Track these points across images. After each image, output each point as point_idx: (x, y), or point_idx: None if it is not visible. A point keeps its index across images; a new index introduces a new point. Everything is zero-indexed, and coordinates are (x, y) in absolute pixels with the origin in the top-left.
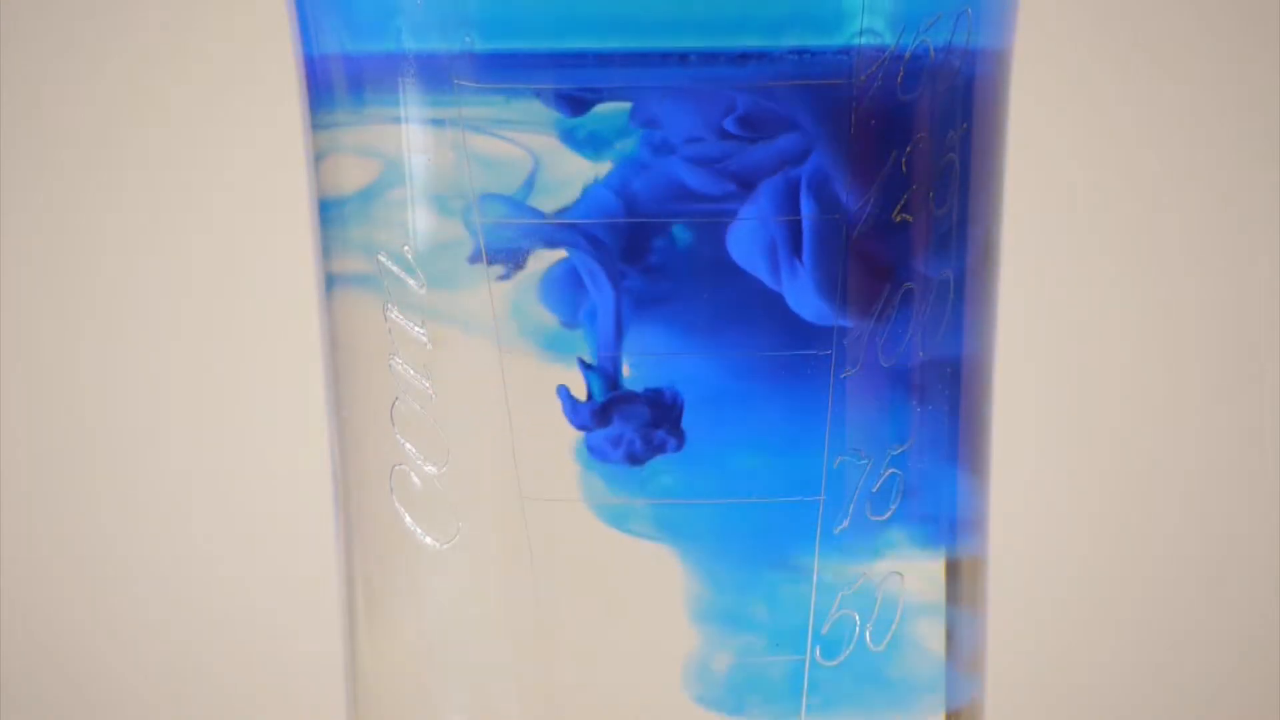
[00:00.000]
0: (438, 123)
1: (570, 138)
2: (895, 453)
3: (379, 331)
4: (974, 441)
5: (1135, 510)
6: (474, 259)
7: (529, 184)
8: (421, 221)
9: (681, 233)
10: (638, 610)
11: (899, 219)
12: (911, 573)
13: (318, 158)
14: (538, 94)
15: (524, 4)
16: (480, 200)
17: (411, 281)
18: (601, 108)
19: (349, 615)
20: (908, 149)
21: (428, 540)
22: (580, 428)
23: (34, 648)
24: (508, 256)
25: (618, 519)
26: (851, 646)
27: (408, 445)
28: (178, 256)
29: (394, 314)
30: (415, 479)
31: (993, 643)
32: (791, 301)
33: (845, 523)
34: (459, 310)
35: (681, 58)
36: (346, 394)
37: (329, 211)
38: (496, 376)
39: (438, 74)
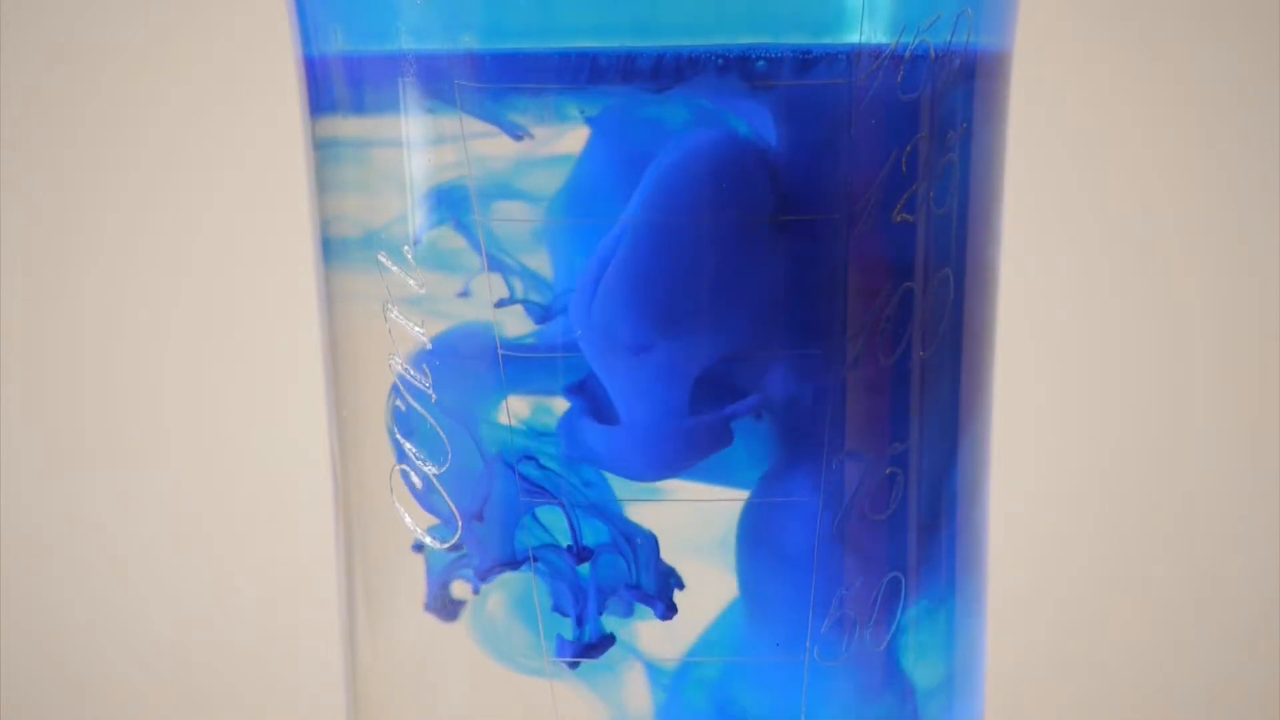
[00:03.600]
0: (438, 123)
1: (570, 138)
2: (895, 451)
3: (379, 331)
4: (974, 440)
5: (1136, 510)
6: (474, 257)
7: (529, 183)
8: (421, 222)
9: (675, 230)
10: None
11: (899, 219)
12: (911, 571)
13: (317, 158)
14: (538, 94)
15: (523, 5)
16: (480, 200)
17: (411, 281)
18: (602, 108)
19: (349, 616)
20: (908, 149)
21: (428, 540)
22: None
23: (34, 648)
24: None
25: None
26: (851, 647)
27: (408, 445)
28: (178, 257)
29: (394, 314)
30: (415, 479)
31: (993, 641)
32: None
33: (844, 522)
34: (459, 310)
35: (682, 58)
36: (347, 394)
37: (329, 212)
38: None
39: (438, 74)
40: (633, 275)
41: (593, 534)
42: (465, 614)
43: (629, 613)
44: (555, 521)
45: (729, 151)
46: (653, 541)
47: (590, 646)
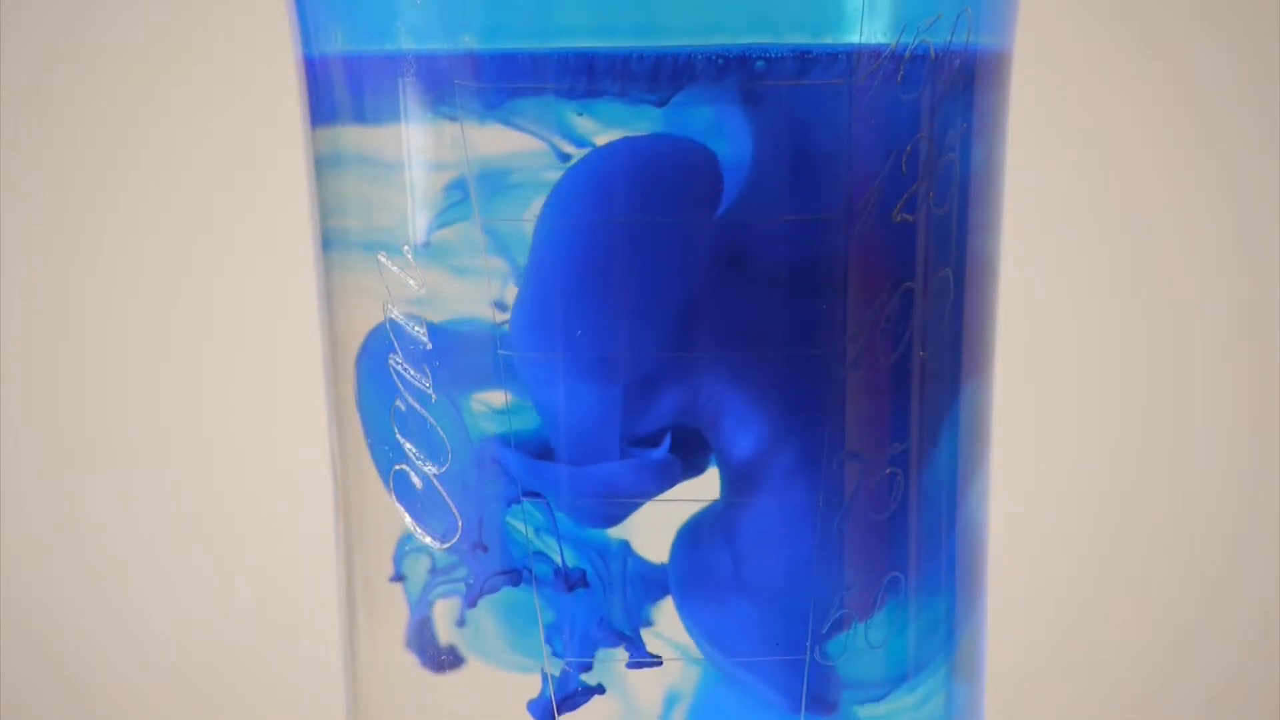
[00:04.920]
0: (438, 123)
1: (571, 138)
2: (894, 452)
3: (379, 331)
4: (974, 440)
5: (1136, 510)
6: (474, 258)
7: (529, 184)
8: (421, 222)
9: (679, 234)
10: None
11: (899, 219)
12: (911, 571)
13: (317, 158)
14: (537, 94)
15: (523, 5)
16: (480, 200)
17: (411, 281)
18: (601, 108)
19: (349, 616)
20: (907, 149)
21: (428, 540)
22: None
23: (34, 648)
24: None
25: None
26: (851, 646)
27: (408, 445)
28: (178, 257)
29: (394, 314)
30: (415, 479)
31: (993, 641)
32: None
33: (844, 522)
34: (459, 310)
35: (681, 58)
36: (346, 394)
37: (329, 212)
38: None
39: (438, 74)
40: (557, 288)
41: (577, 556)
42: (459, 644)
43: (617, 642)
44: (548, 535)
45: (667, 152)
46: (634, 568)
47: (569, 697)
